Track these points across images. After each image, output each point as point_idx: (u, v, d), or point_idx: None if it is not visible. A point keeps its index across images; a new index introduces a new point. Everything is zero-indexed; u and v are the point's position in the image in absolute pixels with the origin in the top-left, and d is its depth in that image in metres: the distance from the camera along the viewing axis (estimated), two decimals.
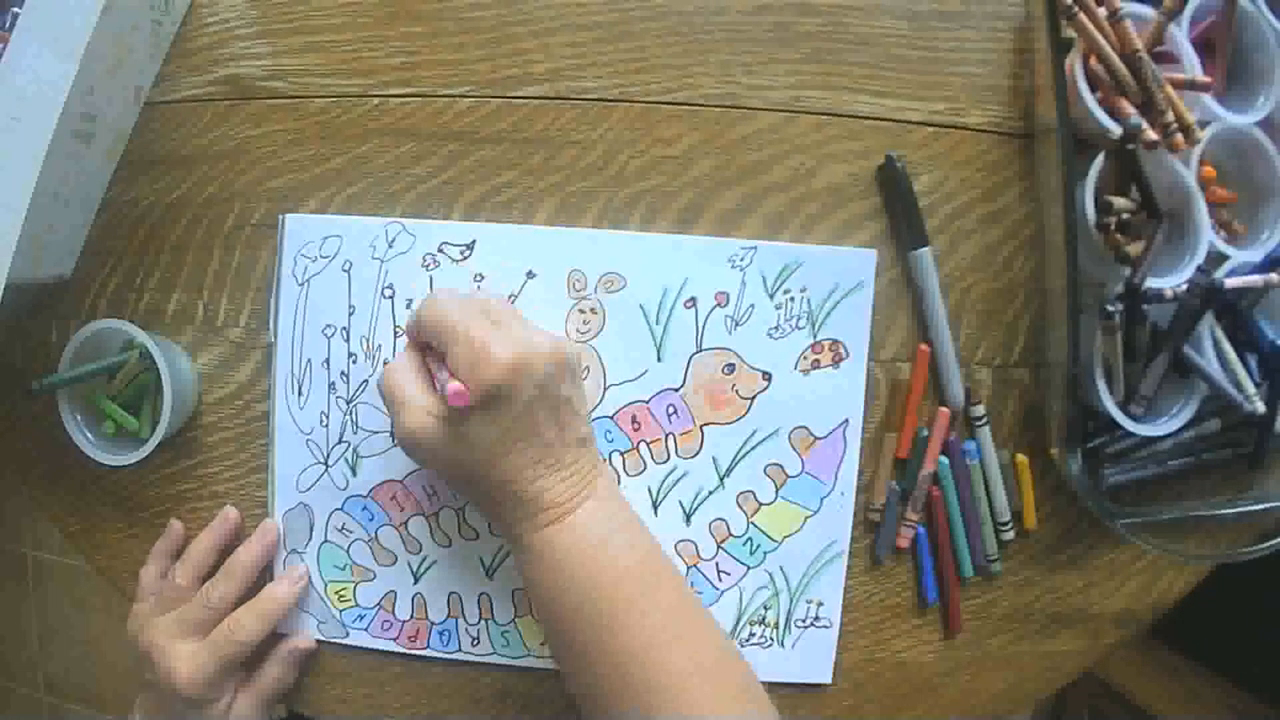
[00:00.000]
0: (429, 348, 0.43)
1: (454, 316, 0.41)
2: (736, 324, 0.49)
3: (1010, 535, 0.50)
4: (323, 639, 0.52)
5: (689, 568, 0.50)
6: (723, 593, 0.50)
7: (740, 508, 0.50)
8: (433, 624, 0.51)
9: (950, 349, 0.49)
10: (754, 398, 0.49)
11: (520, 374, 0.40)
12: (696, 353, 0.49)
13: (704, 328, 0.49)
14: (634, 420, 0.50)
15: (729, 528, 0.50)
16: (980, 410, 0.49)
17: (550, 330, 0.43)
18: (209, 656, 0.47)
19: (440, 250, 0.50)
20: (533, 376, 0.40)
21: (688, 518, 0.50)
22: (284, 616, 0.50)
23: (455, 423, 0.40)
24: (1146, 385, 0.47)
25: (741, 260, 0.49)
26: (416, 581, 0.51)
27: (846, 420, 0.49)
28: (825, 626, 0.50)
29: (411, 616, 0.52)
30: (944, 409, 0.49)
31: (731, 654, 0.43)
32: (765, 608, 0.50)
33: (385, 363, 0.44)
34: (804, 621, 0.50)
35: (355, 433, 0.51)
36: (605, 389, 0.49)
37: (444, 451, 0.41)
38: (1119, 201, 0.45)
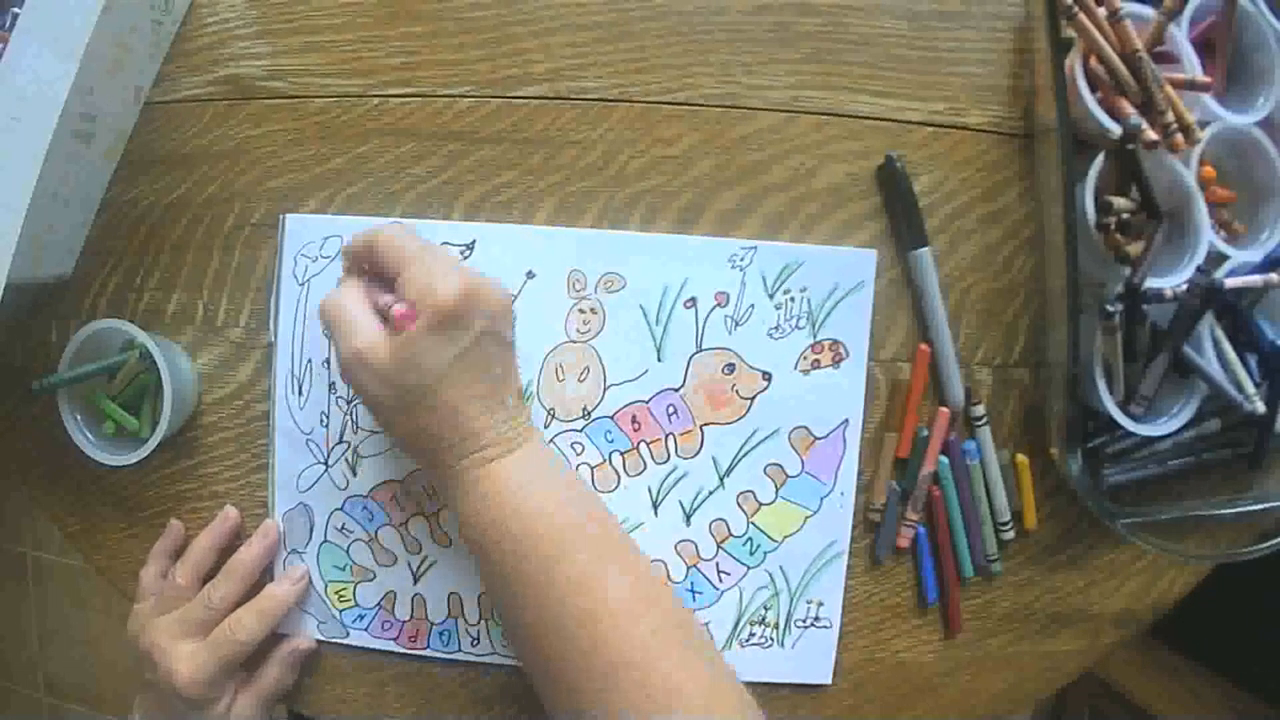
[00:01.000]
0: (371, 278, 0.43)
1: (411, 242, 0.42)
2: (736, 324, 0.49)
3: (1010, 535, 0.50)
4: (323, 639, 0.52)
5: (689, 568, 0.50)
6: (723, 593, 0.50)
7: (740, 508, 0.50)
8: (433, 624, 0.51)
9: (950, 349, 0.49)
10: (754, 398, 0.49)
11: (473, 301, 0.40)
12: (696, 353, 0.49)
13: (704, 328, 0.49)
14: (634, 420, 0.50)
15: (729, 528, 0.50)
16: (980, 410, 0.49)
17: None
18: (209, 656, 0.47)
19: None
20: (484, 308, 0.40)
21: (688, 518, 0.50)
22: (284, 616, 0.50)
23: (407, 345, 0.40)
24: (1146, 385, 0.47)
25: (741, 260, 0.49)
26: (416, 581, 0.51)
27: (846, 420, 0.49)
28: (825, 626, 0.50)
29: (411, 616, 0.52)
30: (944, 409, 0.49)
31: (660, 584, 0.44)
32: (765, 608, 0.50)
33: (328, 292, 0.44)
34: (804, 621, 0.50)
35: (355, 433, 0.51)
36: (605, 389, 0.49)
37: (390, 374, 0.40)
38: (1119, 201, 0.45)
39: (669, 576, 0.50)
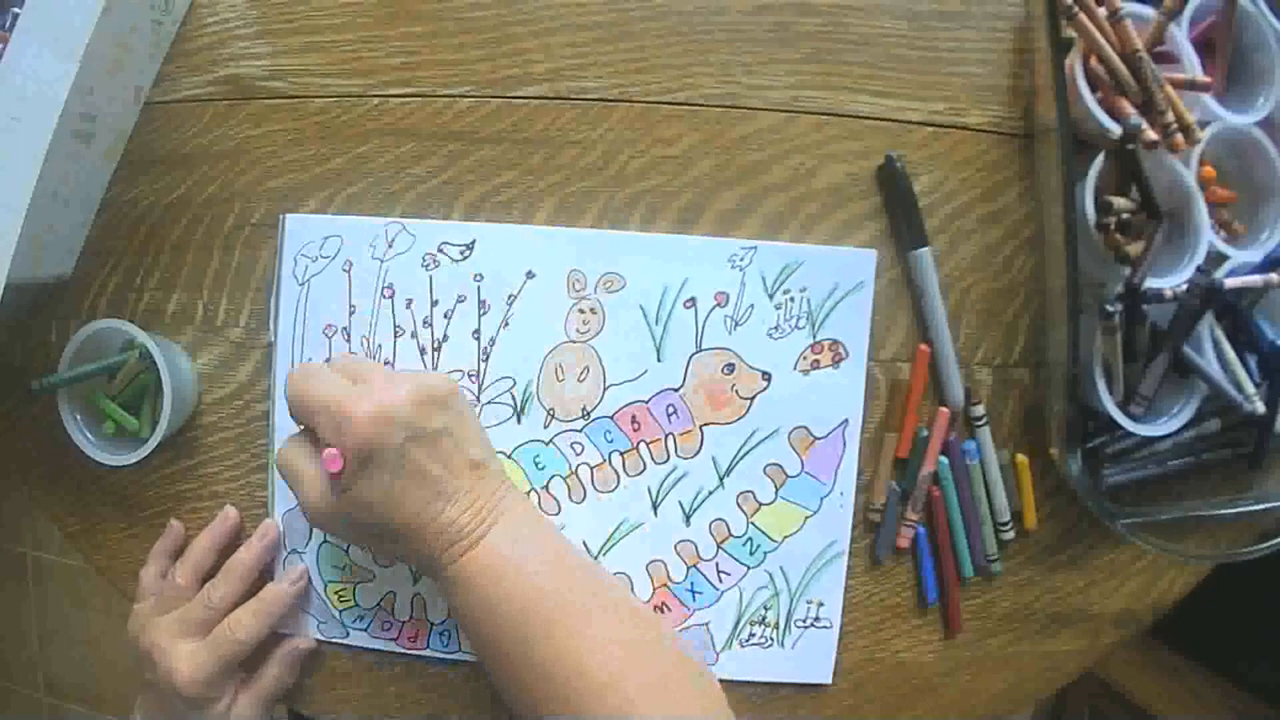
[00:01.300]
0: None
1: (312, 390, 0.42)
2: (736, 324, 0.49)
3: (1010, 535, 0.50)
4: (323, 639, 0.52)
5: (689, 568, 0.50)
6: (723, 593, 0.50)
7: (740, 508, 0.50)
8: (433, 624, 0.51)
9: (950, 349, 0.49)
10: (754, 398, 0.49)
11: (383, 424, 0.40)
12: (696, 353, 0.49)
13: (704, 328, 0.49)
14: (634, 420, 0.50)
15: (729, 528, 0.50)
16: (980, 410, 0.49)
17: (418, 371, 0.45)
18: (209, 656, 0.47)
19: (440, 250, 0.50)
20: (397, 423, 0.41)
21: (687, 518, 0.50)
22: (284, 616, 0.50)
23: (344, 488, 0.41)
24: (1146, 385, 0.47)
25: (741, 260, 0.49)
26: (416, 581, 0.51)
27: (846, 420, 0.49)
28: (825, 626, 0.50)
29: (411, 616, 0.52)
30: (944, 409, 0.49)
31: (654, 642, 0.44)
32: (765, 608, 0.50)
33: (281, 444, 0.46)
34: (804, 621, 0.50)
35: None
36: (605, 389, 0.49)
37: (342, 515, 0.42)
38: (1119, 201, 0.45)
39: (669, 577, 0.50)
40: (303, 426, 0.45)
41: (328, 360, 0.50)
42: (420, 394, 0.42)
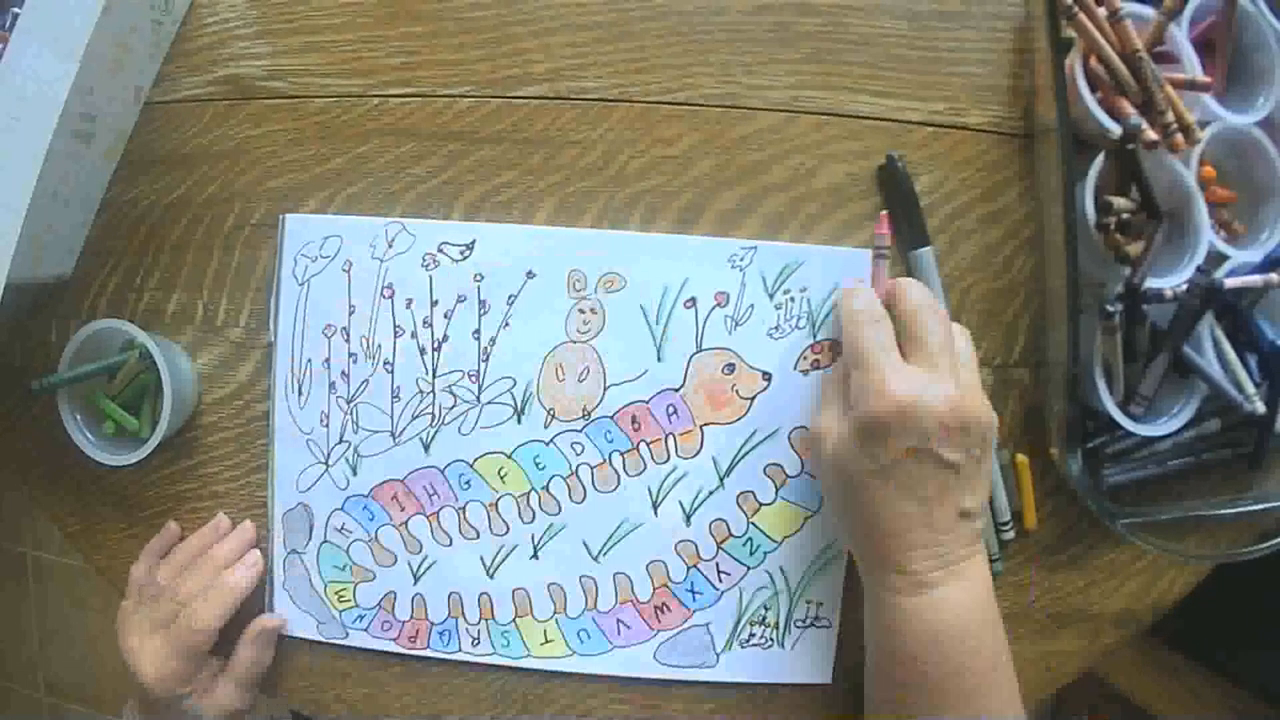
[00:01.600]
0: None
1: (869, 342, 0.41)
2: (736, 324, 0.49)
3: (1010, 535, 0.50)
4: (323, 639, 0.52)
5: (689, 568, 0.50)
6: (723, 593, 0.50)
7: (740, 508, 0.50)
8: (433, 624, 0.51)
9: None
10: (754, 398, 0.49)
11: (906, 419, 0.39)
12: (696, 353, 0.49)
13: (704, 328, 0.49)
14: (634, 420, 0.50)
15: (729, 528, 0.50)
16: None
17: (979, 392, 0.41)
18: (170, 650, 0.47)
19: (440, 250, 0.50)
20: (915, 425, 0.39)
21: (688, 518, 0.50)
22: (239, 603, 0.49)
23: (843, 440, 0.41)
24: (1146, 385, 0.47)
25: (741, 260, 0.49)
26: (416, 581, 0.51)
27: None
28: (825, 626, 0.50)
29: (411, 617, 0.52)
30: None
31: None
32: (765, 608, 0.50)
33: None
34: (804, 622, 0.50)
35: (355, 432, 0.51)
36: (605, 389, 0.49)
37: (832, 458, 0.42)
38: (1119, 201, 0.45)
39: (669, 577, 0.50)
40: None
41: (327, 361, 0.50)
42: (959, 416, 0.39)
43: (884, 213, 0.48)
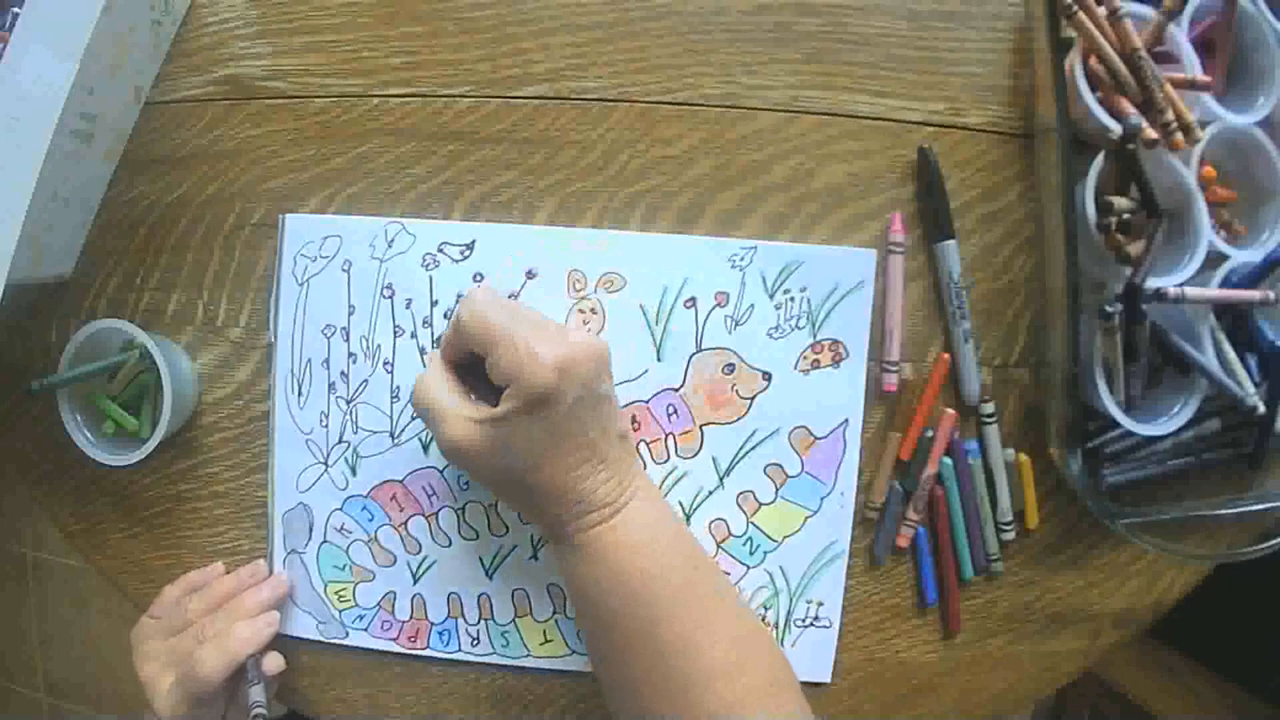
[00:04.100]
0: (457, 361, 0.44)
1: (497, 320, 0.41)
2: (736, 324, 0.49)
3: (1011, 535, 0.50)
4: (323, 639, 0.52)
5: None
6: None
7: (740, 508, 0.50)
8: (433, 624, 0.51)
9: (970, 344, 0.49)
10: (754, 398, 0.49)
11: (566, 375, 0.39)
12: (696, 353, 0.49)
13: (704, 327, 0.49)
14: (634, 420, 0.49)
15: (729, 528, 0.50)
16: (990, 408, 0.49)
17: (576, 328, 0.44)
18: (182, 694, 0.46)
19: (440, 250, 0.50)
20: (578, 376, 0.40)
21: (688, 518, 0.50)
22: (244, 659, 0.47)
23: (499, 430, 0.40)
24: (1133, 387, 0.47)
25: (741, 260, 0.49)
26: (416, 582, 0.51)
27: (846, 420, 0.49)
28: (825, 626, 0.50)
29: (411, 617, 0.51)
30: (950, 410, 0.49)
31: (766, 642, 0.44)
32: (765, 607, 0.50)
33: (417, 376, 0.44)
34: (804, 621, 0.50)
35: (355, 433, 0.51)
36: None
37: (489, 458, 0.41)
38: (1119, 201, 0.45)
39: None
40: (441, 360, 0.43)
41: (326, 361, 0.50)
42: (595, 353, 0.41)
43: (896, 213, 0.48)
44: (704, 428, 0.49)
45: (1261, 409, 0.46)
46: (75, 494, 0.54)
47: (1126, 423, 0.46)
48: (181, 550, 0.54)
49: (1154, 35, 0.45)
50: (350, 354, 0.50)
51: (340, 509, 0.51)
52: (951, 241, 0.48)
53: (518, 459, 0.41)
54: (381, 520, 0.51)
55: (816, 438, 0.49)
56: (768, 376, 0.49)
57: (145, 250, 0.52)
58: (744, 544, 0.50)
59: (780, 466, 0.49)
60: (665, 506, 0.45)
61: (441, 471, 0.50)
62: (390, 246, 0.50)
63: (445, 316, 0.50)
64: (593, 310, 0.49)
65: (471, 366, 0.43)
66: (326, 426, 0.51)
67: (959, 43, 0.49)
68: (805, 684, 0.50)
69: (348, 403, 0.51)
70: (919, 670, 0.52)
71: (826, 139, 0.49)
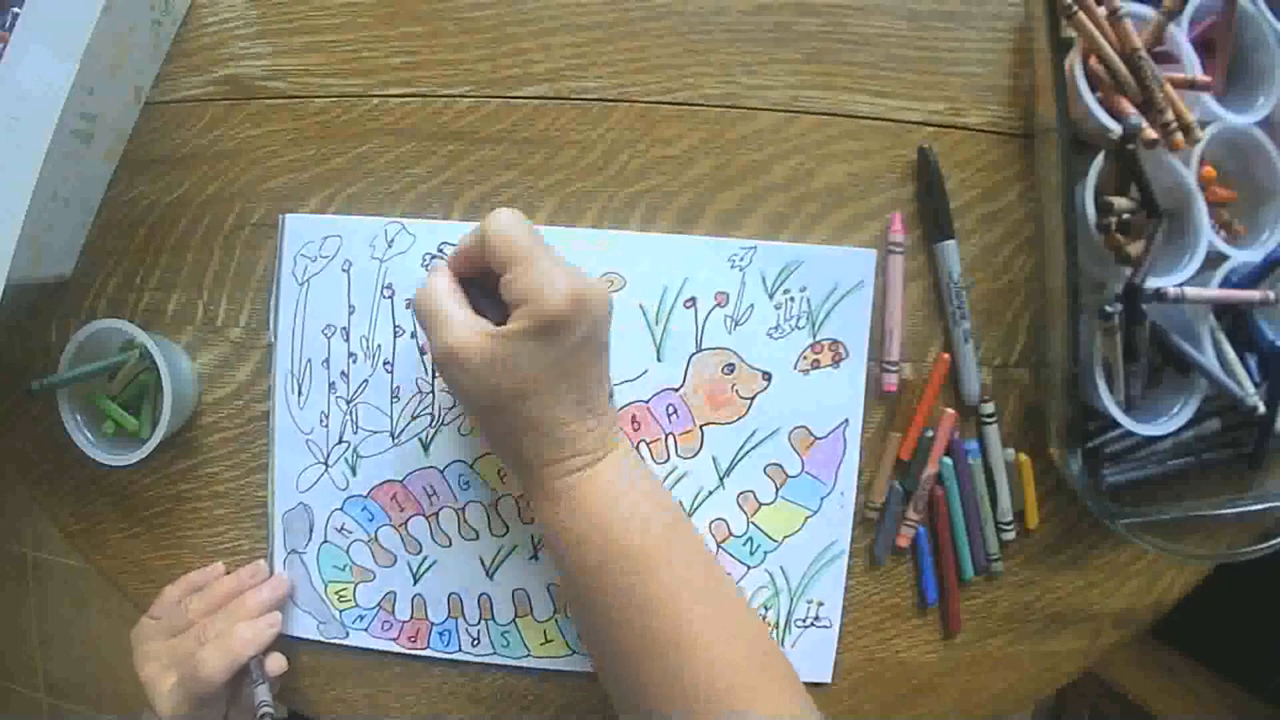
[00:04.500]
0: (464, 275, 0.42)
1: (522, 238, 0.40)
2: (736, 324, 0.49)
3: (1011, 535, 0.50)
4: (323, 639, 0.52)
5: None
6: None
7: (740, 508, 0.50)
8: (433, 624, 0.51)
9: (970, 344, 0.49)
10: (754, 398, 0.49)
11: (580, 308, 0.39)
12: (696, 352, 0.49)
13: (704, 327, 0.49)
14: (634, 420, 0.50)
15: (729, 528, 0.50)
16: (990, 408, 0.49)
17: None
18: (184, 695, 0.46)
19: (440, 250, 0.50)
20: (590, 313, 0.39)
21: (688, 517, 0.50)
22: (246, 659, 0.47)
23: (504, 346, 0.39)
24: (1133, 387, 0.47)
25: (741, 260, 0.49)
26: (416, 582, 0.51)
27: (846, 420, 0.49)
28: (825, 626, 0.50)
29: (411, 617, 0.52)
30: (950, 410, 0.49)
31: (746, 607, 0.43)
32: (765, 607, 0.50)
33: (421, 284, 0.42)
34: (804, 621, 0.50)
35: (355, 433, 0.51)
36: None
37: (484, 374, 0.39)
38: (1119, 201, 0.45)
39: None
40: (449, 270, 0.42)
41: (326, 361, 0.51)
42: (607, 297, 0.41)
43: (896, 213, 0.48)
44: (704, 428, 0.49)
45: (1261, 409, 0.46)
46: (75, 494, 0.54)
47: (1126, 423, 0.46)
48: (181, 550, 0.54)
49: (1154, 35, 0.45)
50: (350, 354, 0.50)
51: (340, 509, 0.51)
52: (951, 241, 0.48)
53: (511, 381, 0.39)
54: (382, 520, 0.51)
55: (816, 438, 0.49)
56: (768, 376, 0.49)
57: (145, 250, 0.52)
58: (744, 544, 0.50)
59: (780, 466, 0.49)
60: (644, 465, 0.44)
61: (442, 471, 0.50)
62: (390, 246, 0.50)
63: None
64: None
65: (476, 285, 0.42)
66: (327, 426, 0.51)
67: (959, 43, 0.49)
68: (805, 684, 0.51)
69: (348, 403, 0.51)
70: (919, 670, 0.52)
71: (826, 139, 0.49)
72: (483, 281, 0.42)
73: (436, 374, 0.50)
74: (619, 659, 0.41)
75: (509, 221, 0.40)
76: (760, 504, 0.50)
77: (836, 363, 0.49)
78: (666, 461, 0.50)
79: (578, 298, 0.39)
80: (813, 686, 0.51)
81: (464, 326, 0.40)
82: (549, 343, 0.39)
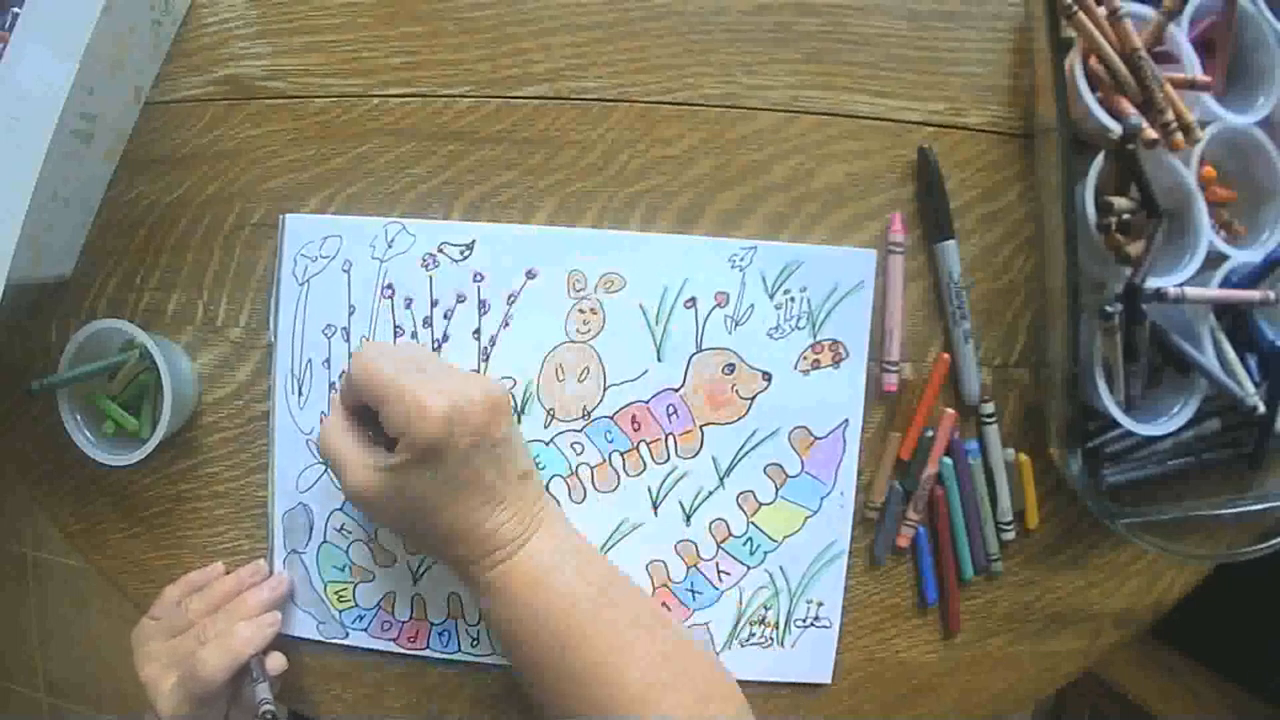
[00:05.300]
0: (355, 408, 0.44)
1: (385, 373, 0.41)
2: (736, 324, 0.49)
3: (1011, 535, 0.50)
4: (323, 639, 0.52)
5: (689, 568, 0.50)
6: (722, 593, 0.50)
7: (740, 508, 0.50)
8: (432, 624, 0.51)
9: (970, 344, 0.49)
10: (754, 398, 0.49)
11: (456, 425, 0.40)
12: (696, 353, 0.49)
13: (704, 328, 0.49)
14: (634, 420, 0.50)
15: (729, 528, 0.50)
16: (990, 408, 0.49)
17: (477, 374, 0.46)
18: (184, 694, 0.46)
19: (440, 250, 0.50)
20: (468, 426, 0.41)
21: (688, 518, 0.50)
22: (246, 658, 0.47)
23: (395, 478, 0.41)
24: (1133, 387, 0.47)
25: (741, 260, 0.49)
26: (416, 582, 0.51)
27: (846, 420, 0.49)
28: (825, 626, 0.50)
29: (411, 617, 0.52)
30: (950, 410, 0.49)
31: (693, 660, 0.44)
32: (765, 608, 0.50)
33: (322, 423, 0.45)
34: (804, 621, 0.50)
35: None
36: (605, 389, 0.49)
37: (389, 504, 0.42)
38: (1119, 201, 0.45)
39: (669, 577, 0.50)
40: (342, 407, 0.44)
41: (327, 361, 0.51)
42: (490, 400, 0.42)
43: (896, 213, 0.48)
44: (704, 428, 0.49)
45: (1261, 409, 0.46)
46: (75, 494, 0.54)
47: (1126, 423, 0.46)
48: (181, 550, 0.54)
49: (1154, 35, 0.45)
50: (351, 354, 0.50)
51: (340, 509, 0.51)
52: (951, 241, 0.48)
53: (416, 505, 0.42)
54: None
55: (816, 438, 0.49)
56: (768, 376, 0.49)
57: (145, 250, 0.52)
58: (744, 544, 0.50)
59: (780, 466, 0.49)
60: (573, 536, 0.45)
61: None
62: (390, 246, 0.50)
63: (445, 317, 0.50)
64: (592, 310, 0.49)
65: (370, 415, 0.44)
66: None
67: (959, 43, 0.49)
68: (805, 684, 0.51)
69: None
70: (919, 670, 0.52)
71: (826, 139, 0.49)
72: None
73: None
74: None
75: (368, 357, 0.42)
76: (760, 504, 0.50)
77: (836, 363, 0.49)
78: (666, 461, 0.50)
79: (448, 418, 0.40)
80: (813, 687, 0.51)
81: (358, 468, 0.42)
82: (433, 466, 0.41)
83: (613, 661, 0.41)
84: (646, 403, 0.49)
